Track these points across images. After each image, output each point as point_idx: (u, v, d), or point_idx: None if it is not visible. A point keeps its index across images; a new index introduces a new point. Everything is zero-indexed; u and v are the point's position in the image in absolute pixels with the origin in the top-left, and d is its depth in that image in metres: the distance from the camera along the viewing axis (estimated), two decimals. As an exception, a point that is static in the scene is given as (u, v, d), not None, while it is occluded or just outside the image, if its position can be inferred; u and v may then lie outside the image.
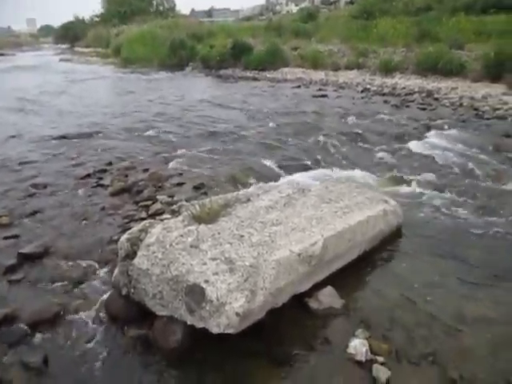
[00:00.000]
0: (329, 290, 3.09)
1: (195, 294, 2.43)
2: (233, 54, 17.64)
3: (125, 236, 3.02)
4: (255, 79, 15.20)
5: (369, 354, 2.55)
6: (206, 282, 2.44)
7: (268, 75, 15.66)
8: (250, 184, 5.00)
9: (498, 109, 8.30)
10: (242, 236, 2.89)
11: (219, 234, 2.89)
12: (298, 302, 3.00)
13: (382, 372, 2.42)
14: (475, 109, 8.58)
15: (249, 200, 3.62)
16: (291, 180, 4.74)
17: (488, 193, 4.92)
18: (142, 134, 7.64)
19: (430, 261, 3.64)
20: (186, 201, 4.44)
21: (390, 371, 2.45)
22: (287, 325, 2.85)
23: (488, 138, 6.85)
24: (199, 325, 2.44)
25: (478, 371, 2.49)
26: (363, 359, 2.52)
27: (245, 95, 11.45)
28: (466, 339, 2.76)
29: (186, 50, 20.89)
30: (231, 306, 2.36)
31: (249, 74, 16.47)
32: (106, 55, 29.69)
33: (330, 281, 3.19)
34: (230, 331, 2.41)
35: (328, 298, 3.03)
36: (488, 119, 7.94)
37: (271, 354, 2.63)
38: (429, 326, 2.86)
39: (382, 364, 2.51)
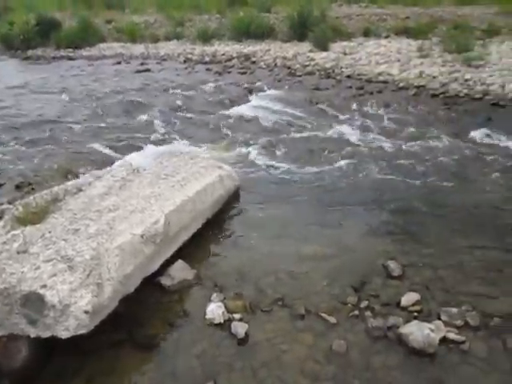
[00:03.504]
0: (179, 263, 3.13)
1: (33, 303, 2.23)
2: (39, 31, 15.77)
3: None
4: (71, 58, 13.94)
5: (226, 314, 2.68)
6: (44, 286, 2.24)
7: (84, 53, 14.51)
8: (82, 173, 4.67)
9: (307, 65, 9.11)
10: (78, 229, 2.71)
11: (50, 232, 2.66)
12: (152, 282, 2.98)
13: (239, 327, 2.57)
14: (288, 67, 9.27)
15: (80, 190, 3.40)
16: (124, 162, 4.56)
17: (309, 143, 5.43)
18: None
19: (267, 214, 3.92)
20: (9, 203, 3.96)
21: (248, 324, 2.62)
22: (144, 308, 2.81)
23: (302, 93, 7.51)
24: (46, 334, 2.25)
25: (319, 301, 2.81)
26: (222, 321, 2.64)
27: (61, 77, 10.47)
28: (306, 278, 3.07)
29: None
30: (77, 305, 2.23)
31: (63, 53, 14.99)
32: None
33: (179, 255, 3.22)
34: (83, 331, 2.28)
35: (180, 271, 3.06)
36: (300, 76, 8.67)
37: (133, 340, 2.59)
38: (275, 274, 3.11)
39: (239, 320, 2.66)
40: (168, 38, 13.79)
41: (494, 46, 8.87)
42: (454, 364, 2.29)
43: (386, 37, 10.76)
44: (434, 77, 7.48)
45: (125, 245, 2.62)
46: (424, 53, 8.77)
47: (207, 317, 2.67)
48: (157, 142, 5.57)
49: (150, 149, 5.26)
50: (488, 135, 5.32)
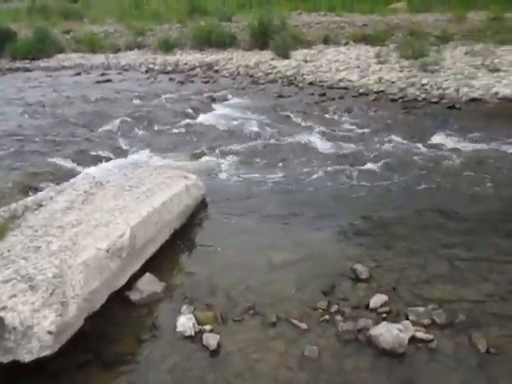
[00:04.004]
0: (148, 277, 3.07)
1: (-7, 327, 2.12)
2: (-7, 42, 15.28)
3: None
4: (28, 70, 13.54)
5: (196, 326, 2.64)
6: (3, 308, 2.14)
7: (42, 64, 14.13)
8: (42, 188, 4.52)
9: (270, 73, 9.21)
10: (39, 247, 2.61)
11: (9, 251, 2.55)
12: (119, 297, 2.91)
13: (211, 339, 2.54)
14: (251, 76, 9.34)
15: (41, 205, 3.29)
16: (87, 175, 4.46)
17: (274, 150, 5.47)
18: None
19: (236, 222, 3.91)
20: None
21: (219, 335, 2.59)
22: (112, 324, 2.74)
23: (266, 101, 7.57)
24: (7, 359, 2.15)
25: (290, 307, 2.81)
26: (192, 333, 2.59)
27: (18, 89, 10.15)
28: (277, 284, 3.07)
29: None
30: (40, 326, 2.14)
31: (19, 64, 14.55)
32: None
33: (147, 267, 3.16)
34: (47, 353, 2.19)
35: (148, 285, 3.00)
36: (263, 84, 8.75)
37: (101, 358, 2.51)
38: (245, 282, 3.09)
39: (210, 331, 2.62)
40: (129, 48, 13.63)
41: (447, 51, 9.21)
42: (423, 362, 2.34)
43: (345, 44, 11.01)
44: (393, 82, 7.70)
45: (89, 260, 2.55)
46: (382, 59, 9.02)
47: (178, 330, 2.62)
48: (120, 154, 5.47)
49: (113, 160, 5.16)
50: (445, 137, 5.51)
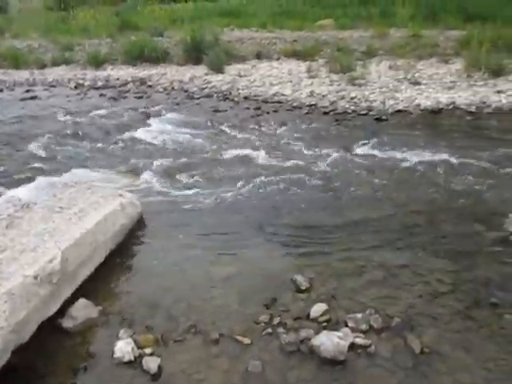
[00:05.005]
0: (82, 302, 2.92)
1: None
2: None
3: None
4: None
5: (136, 350, 2.54)
6: None
7: (-43, 81, 13.19)
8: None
9: (205, 88, 9.19)
10: (-43, 278, 2.41)
11: None
12: (51, 326, 2.74)
13: (151, 362, 2.46)
14: (185, 91, 9.26)
15: (-41, 233, 3.04)
16: (11, 197, 4.18)
17: (211, 165, 5.45)
18: None
19: (174, 239, 3.84)
20: None
21: (160, 358, 2.51)
22: (44, 356, 2.57)
23: (201, 116, 7.54)
24: None
25: (233, 323, 2.79)
26: (132, 358, 2.50)
27: None
28: (219, 300, 3.04)
29: None
30: (-40, 364, 1.96)
31: None
32: None
33: (81, 292, 3.02)
34: (-31, 393, 2.01)
35: (82, 310, 2.86)
36: (198, 98, 8.70)
37: (33, 394, 2.34)
38: (186, 300, 3.04)
39: (150, 355, 2.54)
40: (56, 63, 13.05)
41: (372, 65, 9.69)
42: (364, 368, 2.40)
43: (278, 59, 11.26)
44: (324, 95, 7.97)
45: (15, 289, 2.38)
46: (313, 73, 9.32)
47: (115, 356, 2.51)
48: (49, 173, 5.19)
49: (40, 181, 4.88)
50: (373, 147, 5.77)
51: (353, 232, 3.85)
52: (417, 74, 8.66)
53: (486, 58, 8.20)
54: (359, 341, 2.53)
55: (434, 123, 6.68)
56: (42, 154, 5.98)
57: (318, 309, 2.82)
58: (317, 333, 2.60)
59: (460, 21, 11.48)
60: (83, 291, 3.03)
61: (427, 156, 5.34)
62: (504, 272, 3.19)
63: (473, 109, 6.96)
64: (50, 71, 12.15)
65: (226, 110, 7.86)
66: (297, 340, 2.59)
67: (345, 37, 12.00)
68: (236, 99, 8.47)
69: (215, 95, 8.82)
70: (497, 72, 8.05)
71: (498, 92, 7.42)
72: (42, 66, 12.85)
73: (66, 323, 2.75)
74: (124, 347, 2.52)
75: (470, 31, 9.74)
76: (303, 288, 3.07)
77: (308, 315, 2.80)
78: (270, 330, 2.71)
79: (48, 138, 6.47)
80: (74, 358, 2.57)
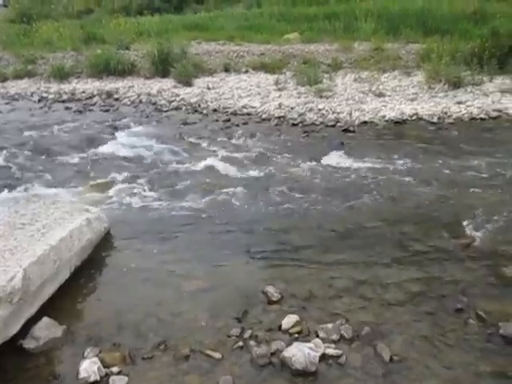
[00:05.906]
0: (45, 321, 2.82)
1: None
2: None
3: None
4: None
5: (102, 369, 2.46)
6: None
7: None
8: None
9: (173, 101, 9.13)
10: None
11: None
12: (12, 347, 2.62)
13: (119, 382, 2.39)
14: (154, 103, 9.18)
15: None
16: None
17: (179, 177, 5.40)
18: None
19: (143, 254, 3.77)
20: None
21: (127, 377, 2.44)
22: (4, 379, 2.46)
23: (170, 128, 7.49)
24: None
25: (203, 338, 2.75)
26: (98, 378, 2.42)
27: None
28: (189, 315, 2.99)
29: None
30: None
31: None
32: None
33: (45, 311, 2.91)
34: None
35: (46, 330, 2.75)
36: (167, 111, 8.64)
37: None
38: (156, 316, 2.98)
39: (118, 374, 2.47)
40: (18, 77, 12.70)
41: (338, 78, 9.89)
42: (335, 378, 2.40)
43: (246, 72, 11.33)
44: (292, 108, 8.05)
45: (-27, 310, 2.27)
46: (281, 86, 9.42)
47: (81, 376, 2.42)
48: (10, 189, 5.02)
49: (1, 197, 4.72)
50: (340, 157, 5.87)
51: (322, 243, 3.88)
52: (381, 86, 8.88)
53: (446, 70, 8.50)
54: (330, 351, 2.53)
55: (399, 133, 6.85)
56: (3, 169, 5.78)
57: (289, 320, 2.81)
58: (288, 344, 2.58)
59: (420, 34, 11.86)
60: (47, 310, 2.93)
61: (392, 165, 5.47)
62: (468, 278, 3.28)
63: (435, 119, 7.20)
64: (12, 84, 11.84)
65: (195, 123, 7.83)
66: (268, 352, 2.57)
67: (311, 50, 12.20)
68: (205, 111, 8.46)
69: (184, 108, 8.79)
70: (456, 84, 8.35)
71: (458, 103, 7.70)
72: (4, 80, 12.50)
73: (28, 344, 2.64)
74: (89, 367, 2.44)
75: (429, 44, 10.07)
76: (274, 299, 3.06)
77: (279, 327, 2.79)
78: (241, 343, 2.68)
79: (10, 153, 6.27)
80: (37, 381, 2.47)
